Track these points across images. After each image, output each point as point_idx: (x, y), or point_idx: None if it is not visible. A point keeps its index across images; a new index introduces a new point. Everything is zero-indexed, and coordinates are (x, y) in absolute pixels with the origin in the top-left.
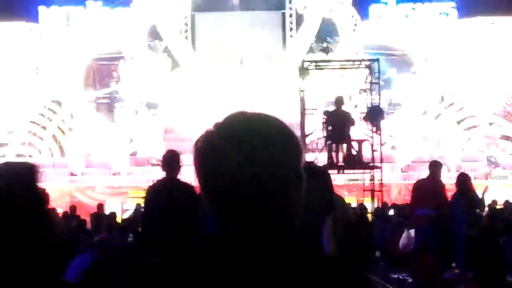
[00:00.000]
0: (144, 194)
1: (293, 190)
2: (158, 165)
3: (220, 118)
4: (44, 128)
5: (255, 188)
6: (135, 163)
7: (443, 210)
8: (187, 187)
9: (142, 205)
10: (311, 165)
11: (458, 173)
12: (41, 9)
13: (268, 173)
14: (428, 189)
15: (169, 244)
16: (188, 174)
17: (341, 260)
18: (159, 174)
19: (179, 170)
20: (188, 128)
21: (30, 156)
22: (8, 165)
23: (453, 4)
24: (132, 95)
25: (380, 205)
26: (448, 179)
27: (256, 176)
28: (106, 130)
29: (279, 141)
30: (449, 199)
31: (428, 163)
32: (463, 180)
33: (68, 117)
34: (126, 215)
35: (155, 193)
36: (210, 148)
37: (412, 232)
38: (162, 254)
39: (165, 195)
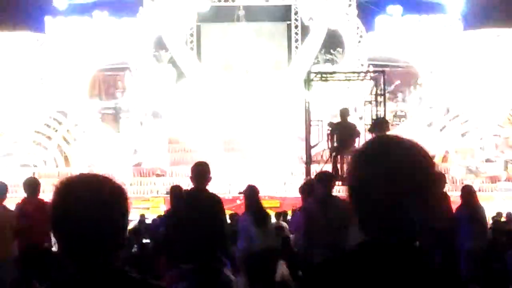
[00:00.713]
0: (148, 205)
1: None
2: (162, 175)
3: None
4: (49, 138)
5: None
6: (139, 173)
7: (447, 223)
8: (215, 198)
9: (146, 216)
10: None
11: (463, 185)
12: (47, 19)
13: None
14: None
15: (200, 251)
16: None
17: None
18: (163, 185)
19: (208, 181)
20: (193, 139)
21: (35, 166)
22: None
23: (459, 16)
24: (137, 105)
25: None
26: (454, 191)
27: None
28: (111, 141)
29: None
30: (454, 211)
31: None
32: (467, 192)
33: (73, 127)
34: (130, 226)
35: (184, 203)
36: None
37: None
38: (194, 261)
39: (194, 205)
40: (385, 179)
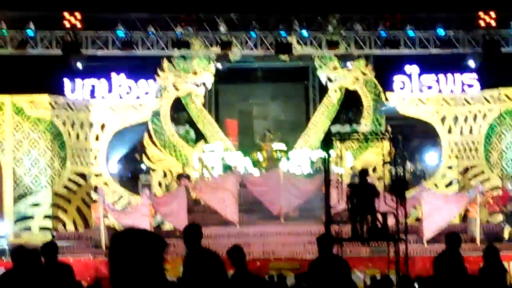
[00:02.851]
0: (168, 266)
1: None
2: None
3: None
4: (69, 201)
5: None
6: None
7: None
8: (213, 256)
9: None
10: None
11: (485, 246)
12: (66, 81)
13: None
14: (447, 263)
15: None
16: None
17: None
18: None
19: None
20: (213, 200)
21: (55, 229)
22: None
23: (475, 75)
24: (156, 166)
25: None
26: (473, 252)
27: None
28: (130, 202)
29: None
30: (469, 272)
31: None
32: (491, 254)
33: (92, 190)
34: None
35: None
36: None
37: None
38: None
39: (195, 266)
40: None
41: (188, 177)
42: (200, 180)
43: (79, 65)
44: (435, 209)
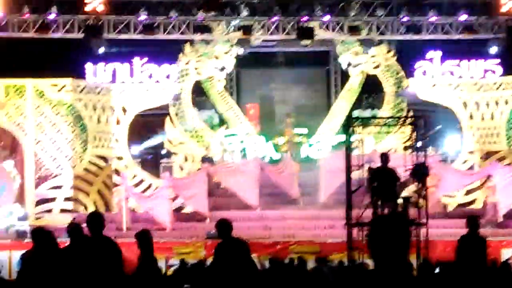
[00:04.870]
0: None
1: None
2: (203, 220)
3: None
4: (90, 183)
5: None
6: (179, 219)
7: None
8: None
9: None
10: None
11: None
12: (88, 66)
13: None
14: (469, 245)
15: None
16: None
17: None
18: (203, 229)
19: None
20: (233, 184)
21: (75, 211)
22: None
23: (497, 61)
24: (177, 149)
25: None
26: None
27: None
28: (151, 185)
29: None
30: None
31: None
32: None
33: (113, 173)
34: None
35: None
36: None
37: None
38: None
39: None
40: None
41: (211, 160)
42: (220, 163)
43: (101, 49)
44: (509, 184)
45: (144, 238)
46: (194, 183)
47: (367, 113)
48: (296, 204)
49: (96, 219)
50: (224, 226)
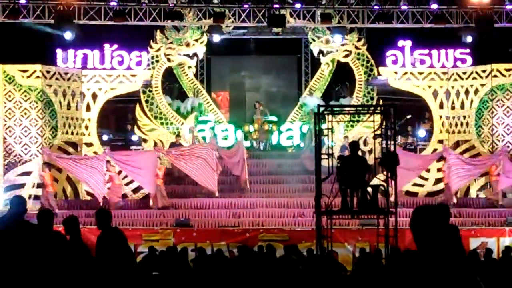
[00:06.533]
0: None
1: None
2: (168, 208)
3: None
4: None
5: None
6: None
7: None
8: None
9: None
10: None
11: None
12: (58, 51)
13: None
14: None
15: None
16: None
17: None
18: (173, 216)
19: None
20: (187, 168)
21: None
22: None
23: (468, 50)
24: (147, 137)
25: (390, 251)
26: None
27: None
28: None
29: None
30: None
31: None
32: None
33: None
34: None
35: None
36: None
37: None
38: None
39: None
40: None
41: (180, 146)
42: (172, 147)
43: (71, 35)
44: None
45: (71, 224)
46: (141, 161)
47: (338, 101)
48: (244, 189)
49: (45, 216)
50: (103, 216)
